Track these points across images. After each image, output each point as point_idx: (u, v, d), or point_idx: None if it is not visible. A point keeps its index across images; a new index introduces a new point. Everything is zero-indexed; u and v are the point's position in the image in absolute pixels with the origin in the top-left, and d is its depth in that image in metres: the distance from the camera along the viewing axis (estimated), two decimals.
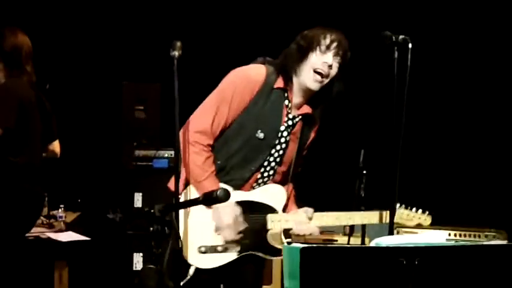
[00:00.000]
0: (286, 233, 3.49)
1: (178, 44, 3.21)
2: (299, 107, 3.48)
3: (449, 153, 5.92)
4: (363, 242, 4.21)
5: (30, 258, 4.62)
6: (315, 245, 2.57)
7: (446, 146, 5.92)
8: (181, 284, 3.29)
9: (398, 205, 3.43)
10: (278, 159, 3.50)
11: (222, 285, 3.55)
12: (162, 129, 5.66)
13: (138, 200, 5.49)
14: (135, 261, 5.47)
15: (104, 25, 6.17)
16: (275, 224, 3.45)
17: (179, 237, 3.19)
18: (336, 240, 5.06)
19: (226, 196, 2.96)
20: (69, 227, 4.98)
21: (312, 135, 3.61)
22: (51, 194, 4.89)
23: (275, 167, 3.51)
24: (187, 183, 3.42)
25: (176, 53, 3.19)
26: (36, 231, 4.66)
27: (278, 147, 3.48)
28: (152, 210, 2.94)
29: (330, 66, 3.35)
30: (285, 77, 3.42)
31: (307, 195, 3.66)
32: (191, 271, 3.37)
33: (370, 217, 3.49)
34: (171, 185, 3.33)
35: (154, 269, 2.93)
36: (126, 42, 6.17)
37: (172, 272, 3.09)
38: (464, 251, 2.63)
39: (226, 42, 6.02)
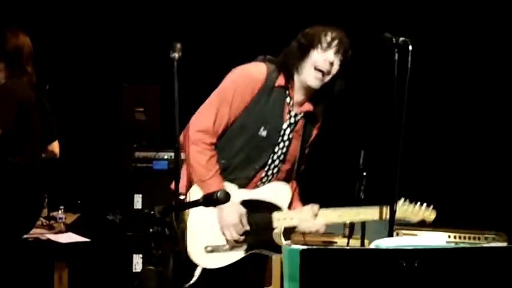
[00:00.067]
0: (287, 233, 3.49)
1: (178, 45, 3.21)
2: (301, 104, 3.49)
3: (449, 155, 5.91)
4: (362, 243, 4.21)
5: (30, 259, 4.62)
6: (314, 247, 2.57)
7: (445, 148, 5.92)
8: (188, 285, 3.30)
9: (402, 200, 3.41)
10: (282, 157, 3.51)
11: None
12: (162, 131, 5.66)
13: (138, 201, 5.49)
14: (134, 262, 5.47)
15: (104, 27, 6.18)
16: (281, 222, 3.44)
17: (178, 239, 3.19)
18: (336, 242, 5.06)
19: (226, 197, 2.96)
20: (69, 228, 4.98)
21: (315, 132, 3.61)
22: (51, 195, 4.89)
23: (279, 165, 3.51)
24: (190, 183, 3.42)
25: (176, 55, 3.19)
26: (36, 232, 4.66)
27: (281, 144, 3.49)
28: (152, 212, 2.94)
29: (331, 64, 3.35)
30: (286, 75, 3.43)
31: (306, 197, 3.66)
32: (197, 272, 3.37)
33: (376, 213, 3.44)
34: (174, 185, 3.33)
35: (154, 270, 2.92)
36: (126, 44, 6.17)
37: (175, 273, 3.08)
38: (464, 253, 2.63)
39: (226, 44, 6.02)
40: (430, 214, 3.48)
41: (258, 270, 3.60)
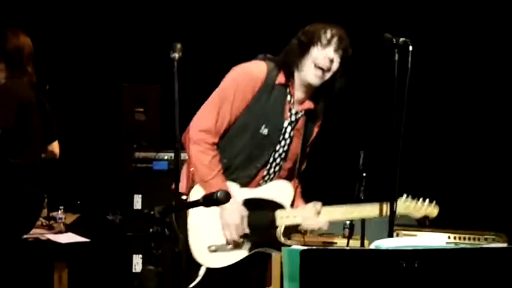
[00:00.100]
0: (287, 232, 3.48)
1: (179, 46, 3.21)
2: (301, 102, 3.48)
3: (449, 156, 5.92)
4: (362, 244, 4.21)
5: (30, 259, 4.62)
6: (314, 247, 2.57)
7: (445, 149, 5.92)
8: (192, 285, 3.29)
9: (404, 196, 3.40)
10: (283, 155, 3.50)
11: None
12: (162, 131, 5.66)
13: (137, 201, 5.49)
14: (134, 262, 5.47)
15: (104, 27, 6.18)
16: (284, 220, 3.44)
17: (178, 239, 3.18)
18: (335, 243, 5.06)
19: (226, 197, 2.96)
20: (68, 228, 4.97)
21: (316, 130, 3.61)
22: (51, 196, 4.89)
23: (280, 163, 3.51)
24: (192, 183, 3.42)
25: (176, 55, 3.19)
26: (35, 232, 4.65)
27: (282, 143, 3.49)
28: (152, 212, 2.93)
29: (331, 61, 3.35)
30: (287, 73, 3.43)
31: (306, 198, 3.65)
32: (201, 272, 3.37)
33: (378, 209, 3.41)
34: (174, 186, 3.33)
35: (154, 270, 2.92)
36: (126, 44, 6.17)
37: (175, 274, 3.08)
38: (464, 253, 2.63)
39: (226, 44, 6.02)
40: (432, 209, 3.46)
41: (262, 269, 3.59)
